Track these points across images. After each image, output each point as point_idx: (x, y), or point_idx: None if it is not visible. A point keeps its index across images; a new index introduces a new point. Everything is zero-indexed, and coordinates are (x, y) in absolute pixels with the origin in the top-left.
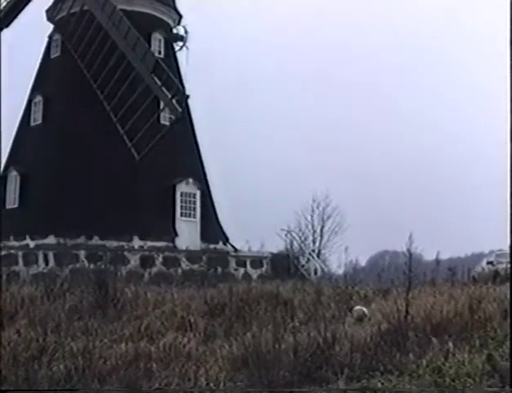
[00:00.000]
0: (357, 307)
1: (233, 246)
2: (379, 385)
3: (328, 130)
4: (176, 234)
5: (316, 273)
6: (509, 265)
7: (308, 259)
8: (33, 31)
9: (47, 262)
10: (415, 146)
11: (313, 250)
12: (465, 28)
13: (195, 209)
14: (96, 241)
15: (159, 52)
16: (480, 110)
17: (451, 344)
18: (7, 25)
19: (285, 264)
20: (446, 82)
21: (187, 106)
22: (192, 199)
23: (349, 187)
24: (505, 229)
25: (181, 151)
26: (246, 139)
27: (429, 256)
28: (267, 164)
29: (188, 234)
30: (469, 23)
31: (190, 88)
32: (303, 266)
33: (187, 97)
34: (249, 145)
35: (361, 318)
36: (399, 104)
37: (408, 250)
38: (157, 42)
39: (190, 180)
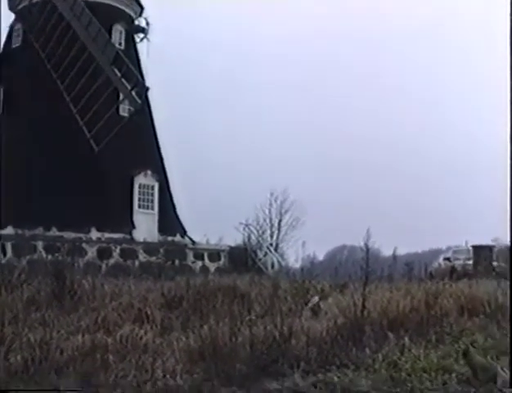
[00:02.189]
0: (313, 300)
1: (191, 239)
2: (335, 379)
3: (287, 124)
4: (133, 226)
5: (273, 266)
6: (468, 261)
7: (266, 253)
8: None
9: (4, 253)
10: (374, 142)
11: (271, 244)
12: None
13: (153, 201)
14: (54, 232)
15: (120, 44)
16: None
17: (407, 339)
18: None
19: (242, 258)
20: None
21: (147, 98)
22: (150, 191)
23: (308, 182)
24: (505, 226)
25: (140, 144)
26: (206, 133)
27: (387, 252)
28: (226, 158)
29: (146, 226)
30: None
31: (150, 80)
32: (260, 260)
33: (147, 89)
34: (209, 139)
35: (316, 312)
36: (358, 100)
37: (365, 245)
38: (118, 34)
39: (149, 172)
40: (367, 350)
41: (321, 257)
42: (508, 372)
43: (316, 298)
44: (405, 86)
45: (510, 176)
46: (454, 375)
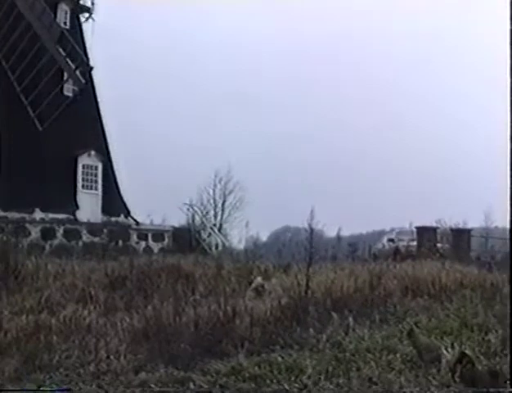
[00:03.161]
0: (257, 281)
1: (135, 220)
2: (280, 359)
3: (231, 105)
4: (77, 207)
5: (217, 247)
6: (411, 243)
7: (210, 234)
8: None
9: None
10: (317, 121)
11: (214, 225)
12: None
13: (96, 181)
14: None
15: (65, 23)
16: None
17: (351, 319)
18: None
19: (186, 238)
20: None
21: (91, 78)
22: (94, 171)
23: (252, 163)
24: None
25: (84, 124)
26: (151, 113)
27: (331, 233)
28: (171, 138)
29: (89, 207)
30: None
31: (95, 60)
32: (204, 240)
33: (91, 68)
34: (153, 119)
35: (260, 293)
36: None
37: (309, 226)
38: (63, 13)
39: (93, 152)
40: (311, 330)
41: (264, 238)
42: (452, 352)
43: (260, 278)
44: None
45: (510, 166)
46: (398, 355)
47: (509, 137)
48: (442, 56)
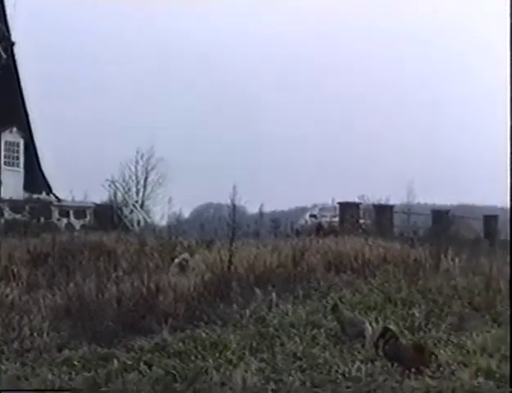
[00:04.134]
0: (180, 257)
1: (56, 197)
2: (204, 335)
3: (155, 83)
4: None
5: (139, 224)
6: (334, 219)
7: (132, 210)
8: None
9: None
10: (241, 97)
11: (137, 201)
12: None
13: (18, 158)
14: None
15: None
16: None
17: (274, 294)
18: None
19: (108, 215)
20: None
21: (13, 53)
22: (16, 148)
23: (174, 139)
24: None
25: (5, 100)
26: (73, 89)
27: (253, 209)
28: (92, 114)
29: (12, 184)
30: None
31: (17, 35)
32: (126, 217)
33: (13, 43)
34: (76, 94)
35: (184, 268)
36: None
37: (232, 202)
38: None
39: (14, 129)
40: (235, 306)
41: (186, 215)
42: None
43: (183, 254)
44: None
45: (511, 164)
46: (322, 330)
47: (509, 136)
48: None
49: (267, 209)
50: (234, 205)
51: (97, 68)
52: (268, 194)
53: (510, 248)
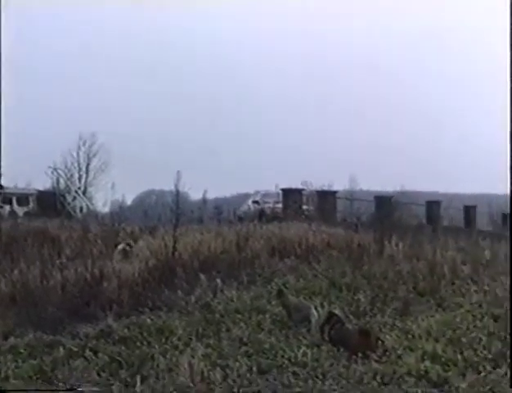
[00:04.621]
0: (124, 243)
1: None
2: (149, 321)
3: (97, 69)
4: None
5: (81, 210)
6: (277, 205)
7: (74, 197)
8: None
9: None
10: (184, 80)
11: (79, 188)
12: None
13: None
14: None
15: None
16: None
17: (219, 280)
18: None
19: (51, 202)
20: None
21: None
22: None
23: (116, 126)
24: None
25: None
26: (15, 72)
27: (196, 196)
28: (34, 101)
29: None
30: None
31: None
32: (69, 204)
33: None
34: (17, 78)
35: (127, 255)
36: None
37: (175, 187)
38: None
39: None
40: (179, 292)
41: (129, 202)
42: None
43: (127, 241)
44: None
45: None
46: (268, 315)
47: (508, 134)
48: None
49: (210, 195)
50: (178, 191)
51: (40, 56)
52: (211, 181)
53: (511, 243)
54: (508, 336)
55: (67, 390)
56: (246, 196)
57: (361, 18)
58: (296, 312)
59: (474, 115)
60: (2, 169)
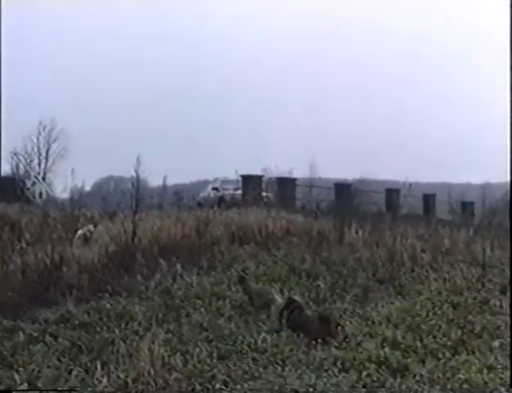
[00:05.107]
0: (84, 229)
1: None
2: (108, 306)
3: (58, 55)
4: None
5: (41, 196)
6: (236, 191)
7: (34, 183)
8: None
9: None
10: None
11: (39, 173)
12: None
13: None
14: None
15: None
16: None
17: (179, 266)
18: None
19: (11, 187)
20: None
21: None
22: None
23: (75, 112)
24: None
25: None
26: None
27: (156, 182)
28: None
29: None
30: None
31: None
32: (28, 189)
33: None
34: None
35: (87, 240)
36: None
37: (135, 173)
38: None
39: None
40: (139, 277)
41: (88, 187)
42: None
43: (87, 226)
44: None
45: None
46: (227, 301)
47: (508, 132)
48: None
49: (170, 182)
50: (138, 176)
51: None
52: (171, 167)
53: (511, 241)
54: (467, 324)
55: (67, 390)
56: (206, 182)
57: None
58: (258, 298)
59: (435, 104)
60: None
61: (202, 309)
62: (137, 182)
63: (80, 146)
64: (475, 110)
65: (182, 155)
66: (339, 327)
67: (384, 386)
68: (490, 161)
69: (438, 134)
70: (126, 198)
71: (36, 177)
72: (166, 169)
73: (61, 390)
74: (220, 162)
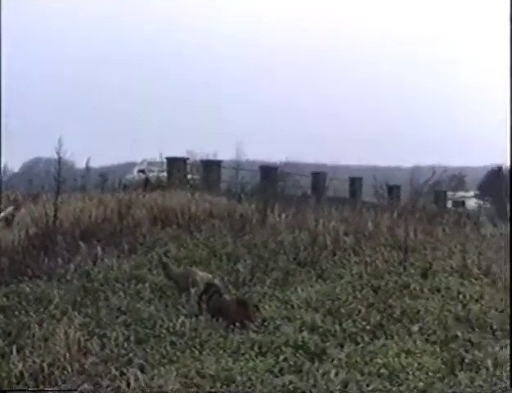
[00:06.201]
0: (6, 210)
1: None
2: (28, 289)
3: None
4: None
5: None
6: (162, 173)
7: None
8: None
9: None
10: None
11: None
12: None
13: None
14: None
15: None
16: None
17: (99, 249)
18: None
19: None
20: None
21: None
22: None
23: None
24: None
25: None
26: None
27: (82, 164)
28: None
29: None
30: None
31: None
32: None
33: None
34: None
35: (9, 222)
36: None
37: (57, 154)
38: None
39: None
40: (59, 260)
41: (16, 169)
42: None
43: (9, 208)
44: None
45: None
46: (147, 284)
47: (509, 130)
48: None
49: (96, 164)
50: (60, 158)
51: None
52: (97, 148)
53: (511, 238)
54: (387, 308)
55: (67, 390)
56: (133, 164)
57: None
58: (182, 280)
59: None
60: None
61: (121, 293)
62: (59, 164)
63: (8, 127)
64: (399, 98)
65: (110, 136)
66: (257, 311)
67: (301, 371)
68: (419, 145)
69: (371, 118)
70: (51, 180)
71: None
72: (96, 150)
73: (60, 390)
74: (148, 144)
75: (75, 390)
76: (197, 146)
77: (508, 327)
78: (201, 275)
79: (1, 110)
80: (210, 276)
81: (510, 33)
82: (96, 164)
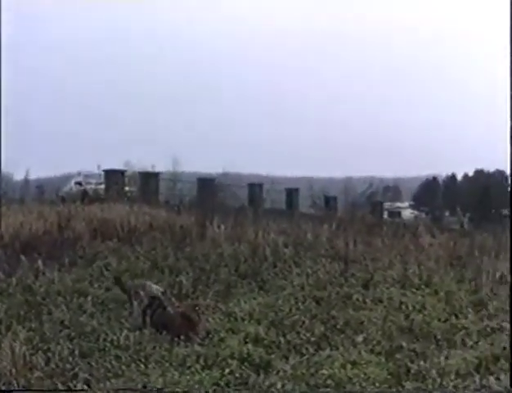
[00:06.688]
0: None
1: None
2: None
3: None
4: None
5: None
6: (99, 186)
7: None
8: None
9: None
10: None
11: None
12: None
13: None
14: None
15: None
16: None
17: (40, 262)
18: None
19: None
20: None
21: None
22: None
23: None
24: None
25: None
26: None
27: (20, 176)
28: None
29: None
30: None
31: None
32: None
33: None
34: None
35: None
36: None
37: None
38: None
39: None
40: (1, 274)
41: None
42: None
43: None
44: None
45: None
46: (89, 298)
47: (509, 128)
48: None
49: (33, 175)
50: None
51: None
52: (35, 161)
53: (511, 241)
54: (331, 319)
55: (67, 390)
56: (69, 176)
57: None
58: (135, 294)
59: (300, 101)
60: None
61: (63, 306)
62: None
63: None
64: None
65: (47, 148)
66: (201, 324)
67: (247, 383)
68: (351, 156)
69: (306, 130)
70: None
71: None
72: (32, 162)
73: (60, 390)
74: (84, 155)
75: (75, 390)
76: (134, 158)
77: (451, 337)
78: (155, 288)
79: None
80: (162, 289)
81: (511, 32)
82: (34, 175)
